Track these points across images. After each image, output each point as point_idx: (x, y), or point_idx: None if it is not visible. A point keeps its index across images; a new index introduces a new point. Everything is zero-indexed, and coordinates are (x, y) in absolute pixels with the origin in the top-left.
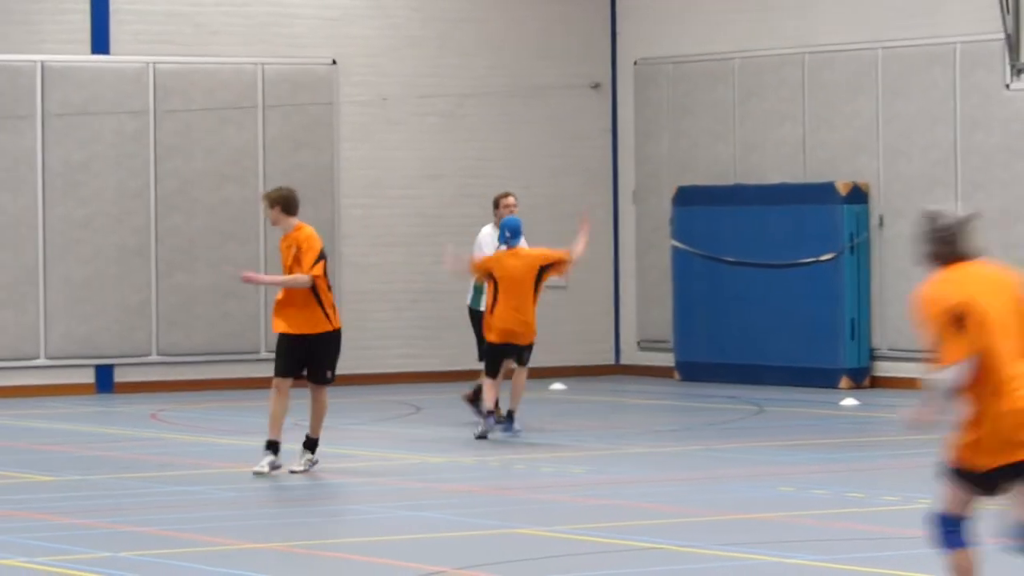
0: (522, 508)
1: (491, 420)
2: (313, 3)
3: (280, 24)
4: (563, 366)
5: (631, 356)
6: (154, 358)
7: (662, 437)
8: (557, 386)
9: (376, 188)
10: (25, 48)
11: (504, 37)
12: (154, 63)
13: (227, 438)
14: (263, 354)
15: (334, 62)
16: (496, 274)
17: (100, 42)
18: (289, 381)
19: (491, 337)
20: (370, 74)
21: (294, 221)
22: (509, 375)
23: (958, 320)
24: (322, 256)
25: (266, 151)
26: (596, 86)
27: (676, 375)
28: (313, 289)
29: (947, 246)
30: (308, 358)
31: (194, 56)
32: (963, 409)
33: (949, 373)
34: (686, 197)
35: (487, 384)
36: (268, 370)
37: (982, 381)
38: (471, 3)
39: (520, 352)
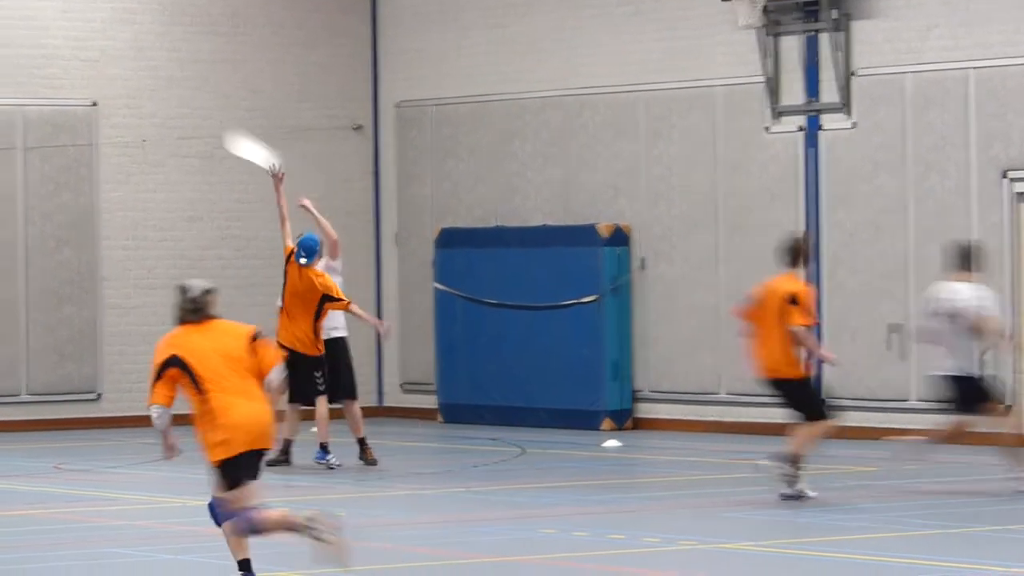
0: (277, 551)
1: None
2: (72, 44)
3: (39, 65)
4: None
5: (395, 398)
6: None
7: (423, 479)
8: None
9: (136, 230)
10: None
11: (263, 79)
12: None
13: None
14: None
15: (94, 104)
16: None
17: None
18: None
19: None
20: (130, 116)
21: None
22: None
23: (172, 367)
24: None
25: (27, 193)
26: (358, 128)
27: (439, 417)
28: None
29: (192, 312)
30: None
31: None
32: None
33: (153, 411)
34: (448, 239)
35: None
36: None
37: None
38: (229, 45)
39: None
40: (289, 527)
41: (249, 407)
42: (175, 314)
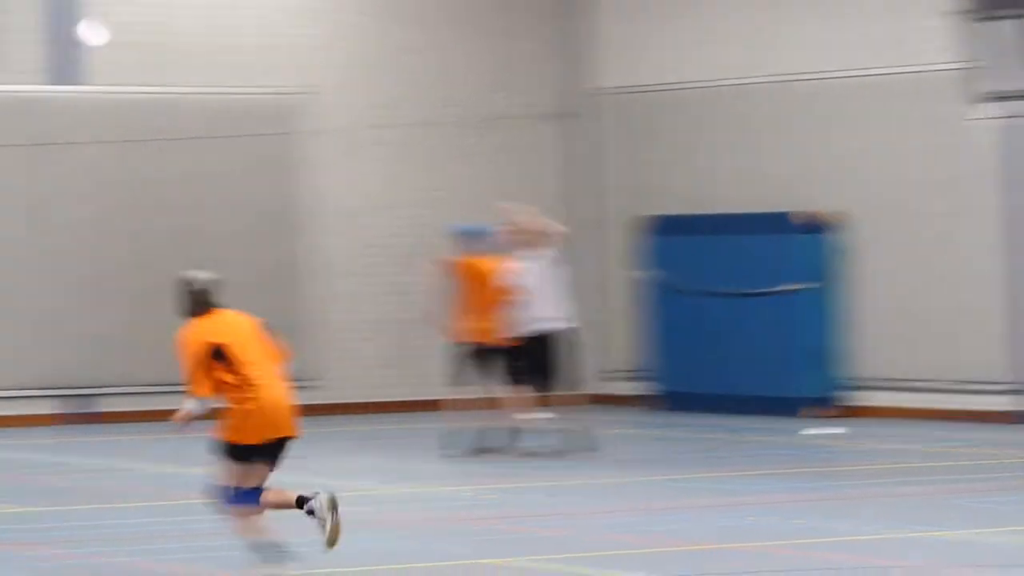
0: (493, 538)
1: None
2: (276, 33)
3: (244, 54)
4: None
5: (595, 386)
6: (128, 388)
7: (628, 466)
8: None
9: (338, 218)
10: None
11: (460, 68)
12: (119, 93)
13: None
14: None
15: (297, 93)
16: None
17: (58, 70)
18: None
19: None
20: (332, 104)
21: None
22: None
23: (209, 355)
24: None
25: (229, 181)
26: (564, 116)
27: (642, 404)
28: None
29: (202, 304)
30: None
31: (161, 86)
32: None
33: (194, 402)
34: (650, 226)
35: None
36: None
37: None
38: (429, 34)
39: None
40: (286, 504)
41: (273, 393)
42: (185, 306)
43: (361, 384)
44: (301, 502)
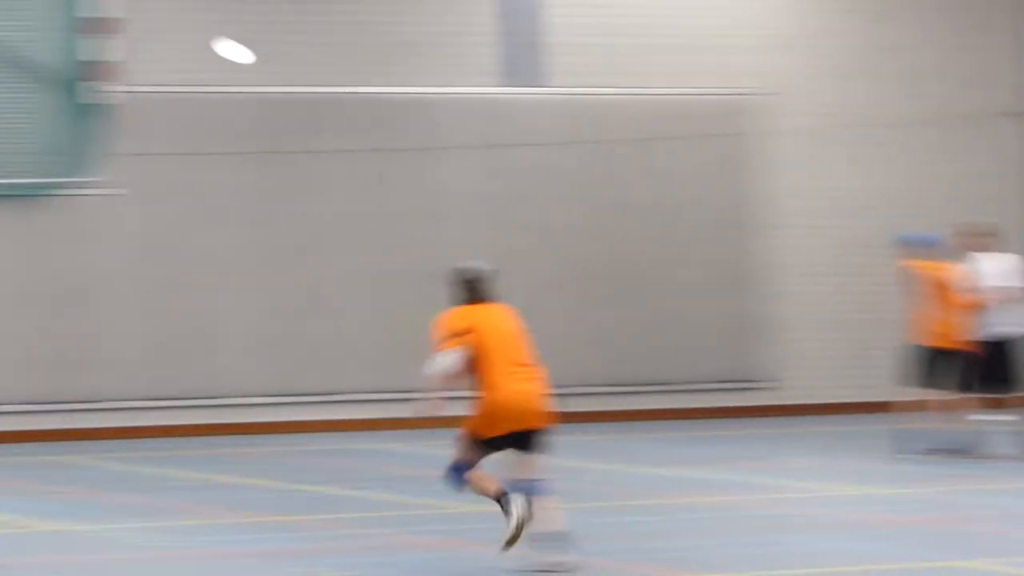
0: (954, 540)
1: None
2: (743, 33)
3: (708, 54)
4: None
5: None
6: (587, 389)
7: None
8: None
9: (804, 218)
10: (442, 80)
11: (929, 65)
12: (576, 94)
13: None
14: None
15: (765, 92)
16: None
17: (524, 74)
18: None
19: None
20: (801, 104)
21: None
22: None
23: (465, 334)
24: None
25: (690, 181)
26: None
27: None
28: None
29: (474, 293)
30: None
31: (617, 87)
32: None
33: (444, 357)
34: None
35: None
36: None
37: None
38: (897, 32)
39: None
40: (489, 492)
41: (520, 388)
42: (456, 294)
43: (817, 385)
44: (502, 496)
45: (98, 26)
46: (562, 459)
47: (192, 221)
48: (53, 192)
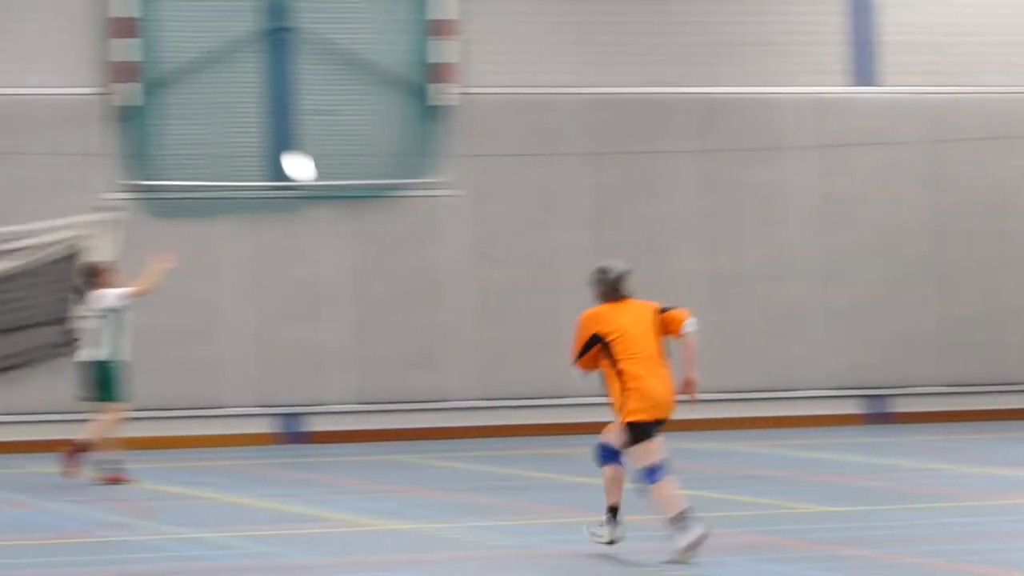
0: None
1: None
2: None
3: None
4: None
5: None
6: (929, 388)
7: None
8: None
9: None
10: (781, 80)
11: None
12: (919, 93)
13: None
14: None
15: None
16: None
17: (863, 73)
18: None
19: None
20: None
21: None
22: None
23: (594, 345)
24: None
25: None
26: None
27: None
28: None
29: (613, 292)
30: None
31: (958, 86)
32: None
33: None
34: None
35: None
36: None
37: (617, 378)
38: None
39: None
40: (668, 508)
41: (652, 382)
42: (597, 293)
43: None
44: (681, 516)
45: (439, 29)
46: (898, 459)
47: (529, 222)
48: (395, 194)
